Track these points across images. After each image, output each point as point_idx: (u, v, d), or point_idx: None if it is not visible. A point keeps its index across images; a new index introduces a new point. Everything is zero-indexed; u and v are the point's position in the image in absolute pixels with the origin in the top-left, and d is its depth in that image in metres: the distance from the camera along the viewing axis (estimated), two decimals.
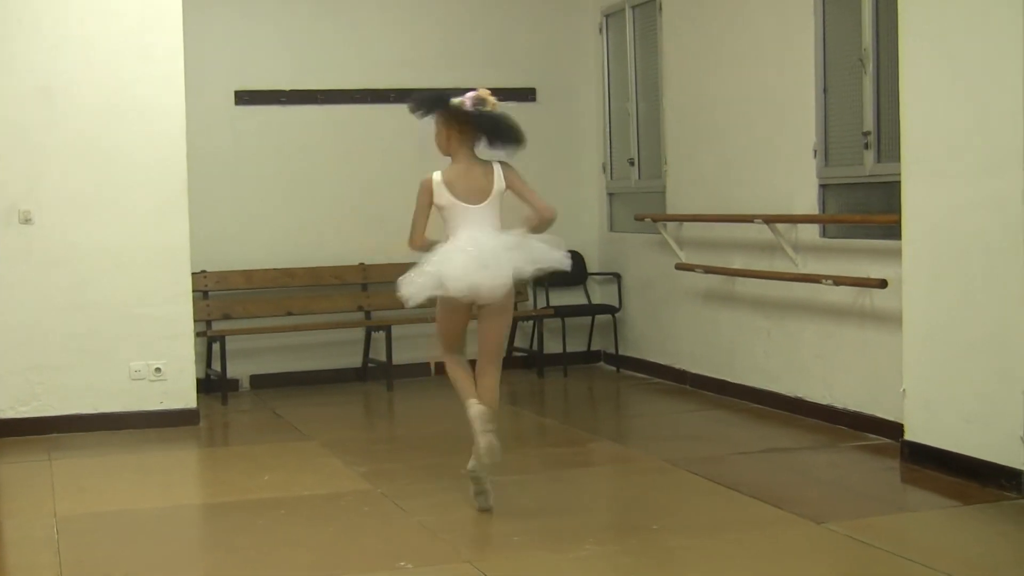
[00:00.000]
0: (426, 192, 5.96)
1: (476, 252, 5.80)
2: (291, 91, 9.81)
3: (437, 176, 5.96)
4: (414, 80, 10.05)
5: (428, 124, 6.06)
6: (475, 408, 5.85)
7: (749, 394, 8.44)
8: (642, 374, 9.85)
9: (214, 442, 8.23)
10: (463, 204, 5.89)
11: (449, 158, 6.02)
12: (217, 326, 9.46)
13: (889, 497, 6.21)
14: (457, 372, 6.08)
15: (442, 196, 5.92)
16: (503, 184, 5.93)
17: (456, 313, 6.01)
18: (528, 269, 5.90)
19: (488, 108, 5.86)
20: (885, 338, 7.04)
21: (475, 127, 5.91)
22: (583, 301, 10.41)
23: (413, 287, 5.93)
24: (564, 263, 5.97)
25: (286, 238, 9.82)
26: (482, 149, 5.99)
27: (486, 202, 5.92)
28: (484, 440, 5.75)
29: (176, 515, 6.25)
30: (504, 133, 5.92)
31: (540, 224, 5.91)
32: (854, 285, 7.28)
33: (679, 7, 9.21)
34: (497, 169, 5.95)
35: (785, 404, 8.04)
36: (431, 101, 6.02)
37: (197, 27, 9.00)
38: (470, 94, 5.87)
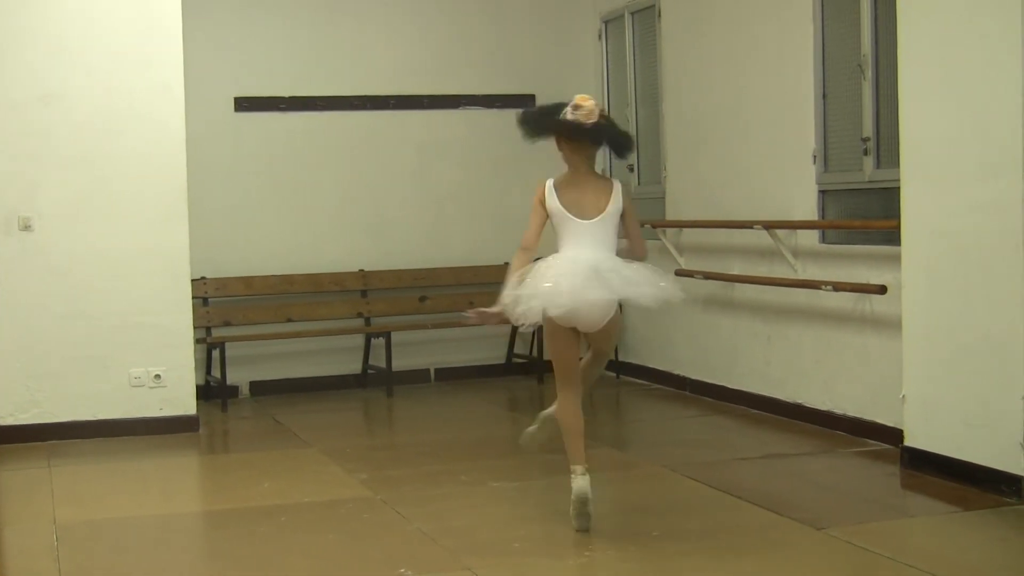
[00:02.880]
0: (539, 195, 5.72)
1: (574, 273, 5.48)
2: (291, 98, 9.82)
3: (550, 181, 5.72)
4: (414, 87, 10.10)
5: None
6: (577, 482, 5.57)
7: (749, 400, 8.45)
8: (642, 380, 9.85)
9: (214, 449, 8.23)
10: (571, 217, 5.61)
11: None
12: (217, 333, 9.46)
13: (889, 502, 6.21)
14: (568, 422, 5.74)
15: (552, 202, 5.65)
16: (620, 204, 5.63)
17: (560, 337, 5.70)
18: (632, 295, 5.57)
19: (588, 117, 5.59)
20: (885, 344, 7.04)
21: (584, 139, 5.67)
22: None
23: (523, 307, 5.53)
24: (675, 295, 5.65)
25: (286, 245, 9.83)
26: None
27: (597, 219, 5.59)
28: (578, 523, 5.57)
29: (176, 523, 6.25)
30: (613, 141, 5.76)
31: (630, 260, 5.66)
32: (853, 291, 7.28)
33: (678, 13, 9.22)
34: (617, 187, 5.68)
35: (785, 410, 8.04)
36: (537, 123, 5.81)
37: (197, 34, 9.02)
38: (572, 105, 5.63)
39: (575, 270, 5.50)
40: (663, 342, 9.60)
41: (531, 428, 6.17)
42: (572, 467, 5.63)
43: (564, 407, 5.79)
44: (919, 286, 6.44)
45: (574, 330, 5.67)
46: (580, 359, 5.85)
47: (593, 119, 5.61)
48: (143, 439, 8.03)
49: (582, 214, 5.61)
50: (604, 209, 5.61)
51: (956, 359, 6.21)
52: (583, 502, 5.54)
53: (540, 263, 5.61)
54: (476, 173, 10.30)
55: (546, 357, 5.80)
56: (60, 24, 8.01)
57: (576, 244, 5.61)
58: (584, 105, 5.61)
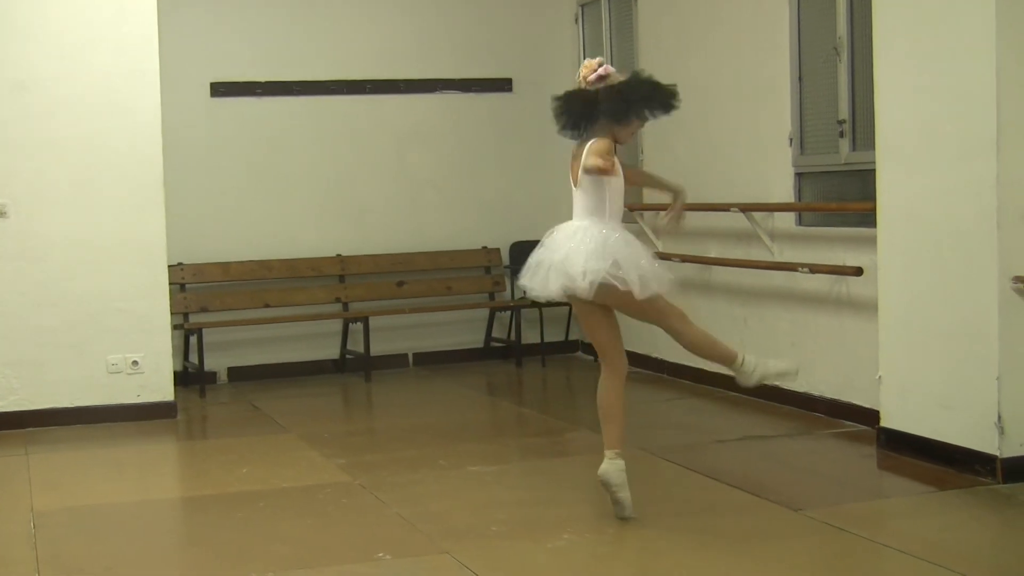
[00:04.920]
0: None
1: (555, 248, 5.42)
2: (267, 83, 9.79)
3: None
4: (390, 71, 10.08)
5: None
6: (605, 465, 5.43)
7: (726, 382, 8.44)
8: None
9: (192, 435, 8.22)
10: (572, 183, 5.53)
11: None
12: (194, 319, 9.44)
13: (865, 483, 6.24)
14: (606, 403, 5.54)
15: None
16: (582, 162, 5.39)
17: (585, 313, 5.56)
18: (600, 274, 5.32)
19: (591, 79, 5.43)
20: (861, 325, 7.07)
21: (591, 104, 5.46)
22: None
23: (533, 280, 5.48)
24: (643, 289, 5.40)
25: (263, 230, 9.80)
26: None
27: (578, 187, 5.49)
28: (615, 510, 5.48)
29: (154, 509, 6.24)
30: (619, 103, 5.46)
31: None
32: (830, 273, 7.31)
33: None
34: (585, 146, 5.42)
35: (762, 392, 8.05)
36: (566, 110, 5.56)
37: (172, 19, 8.98)
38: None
39: (556, 243, 5.44)
40: (641, 325, 9.55)
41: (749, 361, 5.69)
42: (606, 451, 5.49)
43: (600, 386, 5.60)
44: (895, 268, 6.46)
45: (602, 307, 5.52)
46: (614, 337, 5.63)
47: (584, 77, 5.46)
48: (120, 426, 8.01)
49: (573, 181, 5.54)
50: (578, 174, 5.48)
51: (932, 340, 6.24)
52: (605, 485, 5.44)
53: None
54: (453, 158, 10.29)
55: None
56: (33, 9, 7.95)
57: (574, 215, 5.53)
58: (584, 68, 5.49)
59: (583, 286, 5.33)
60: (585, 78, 5.50)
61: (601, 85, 5.48)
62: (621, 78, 5.57)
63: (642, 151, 9.41)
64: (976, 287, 5.93)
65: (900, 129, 6.37)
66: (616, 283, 5.34)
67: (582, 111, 5.50)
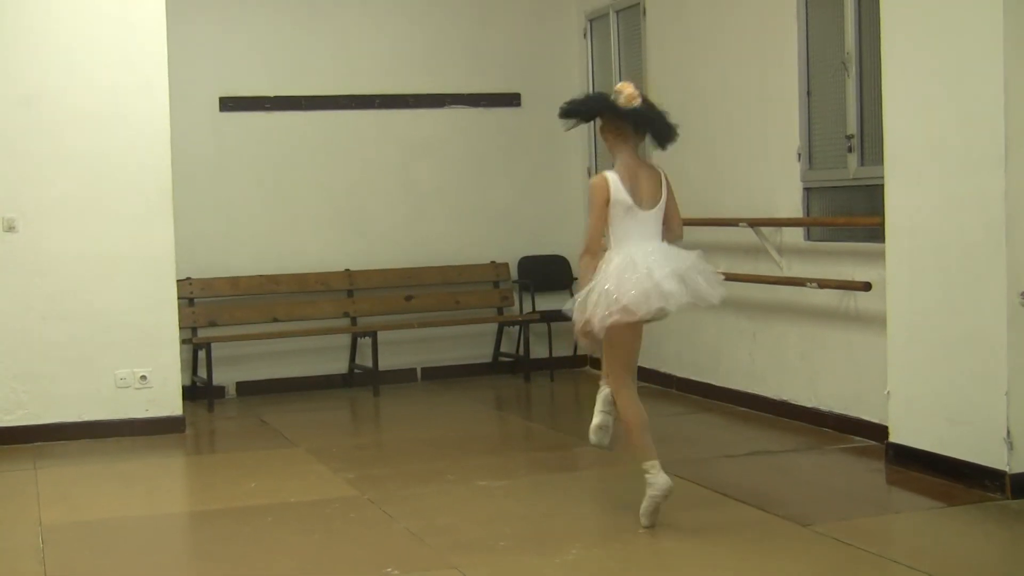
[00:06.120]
0: (602, 190, 5.47)
1: (651, 270, 5.42)
2: (275, 97, 9.81)
3: (611, 174, 5.52)
4: (399, 86, 10.10)
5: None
6: (662, 477, 5.50)
7: (734, 397, 8.46)
8: None
9: (200, 450, 8.22)
10: (635, 207, 5.50)
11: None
12: (203, 333, 9.45)
13: (874, 499, 6.23)
14: (641, 417, 5.63)
15: (619, 194, 5.47)
16: (667, 193, 5.59)
17: (632, 332, 5.64)
18: (705, 294, 5.56)
19: (629, 101, 5.52)
20: (869, 340, 7.06)
21: (626, 124, 5.57)
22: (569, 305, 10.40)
23: (597, 316, 5.42)
24: (715, 298, 5.63)
25: (271, 244, 9.82)
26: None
27: (655, 209, 5.55)
28: (649, 519, 5.56)
29: (162, 523, 6.25)
30: (654, 128, 5.62)
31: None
32: (838, 288, 7.30)
33: (663, 11, 9.23)
34: (663, 176, 5.63)
35: (770, 407, 8.06)
36: (581, 105, 5.74)
37: (181, 34, 8.99)
38: (614, 91, 5.58)
39: (652, 264, 5.45)
40: (649, 340, 9.56)
41: (598, 421, 5.92)
42: (647, 464, 5.53)
43: (630, 403, 5.66)
44: (903, 283, 6.46)
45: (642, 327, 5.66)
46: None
47: (636, 103, 5.54)
48: (129, 440, 8.01)
49: (642, 204, 5.54)
50: (659, 199, 5.57)
51: (940, 355, 6.23)
52: (667, 496, 5.50)
53: (614, 261, 5.49)
54: (461, 172, 10.30)
55: (583, 352, 5.74)
56: (44, 23, 7.98)
57: (640, 235, 5.52)
58: (624, 91, 5.55)
59: (678, 302, 5.51)
60: (631, 100, 5.54)
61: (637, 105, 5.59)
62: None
63: None
64: (984, 301, 5.92)
65: (908, 144, 6.37)
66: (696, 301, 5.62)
67: (657, 129, 5.66)
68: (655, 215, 5.57)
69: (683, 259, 5.55)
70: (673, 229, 5.67)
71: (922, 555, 5.13)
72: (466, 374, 10.24)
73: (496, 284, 10.34)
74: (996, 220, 5.81)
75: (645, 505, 5.55)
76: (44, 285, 7.99)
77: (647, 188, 5.57)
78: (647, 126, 5.64)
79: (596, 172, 10.31)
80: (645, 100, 5.64)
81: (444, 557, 5.30)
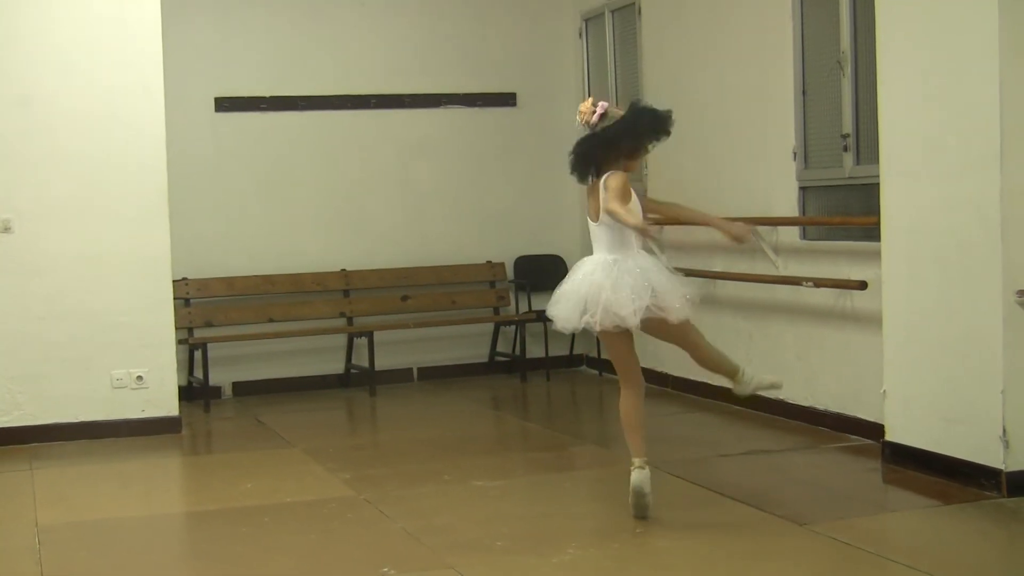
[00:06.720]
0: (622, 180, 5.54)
1: (590, 282, 5.56)
2: (272, 98, 9.80)
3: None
4: (395, 86, 10.10)
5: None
6: (633, 475, 5.66)
7: (730, 396, 8.43)
8: None
9: (196, 450, 8.22)
10: (589, 219, 5.69)
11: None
12: (199, 333, 9.44)
13: (870, 498, 6.23)
14: (624, 417, 5.82)
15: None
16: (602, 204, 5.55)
17: (621, 342, 5.77)
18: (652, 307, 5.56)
19: (586, 119, 5.59)
20: (865, 339, 7.06)
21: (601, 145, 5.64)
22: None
23: (561, 316, 5.68)
24: (691, 309, 5.66)
25: (267, 245, 9.81)
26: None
27: (600, 222, 5.62)
28: (635, 511, 5.67)
29: (158, 524, 6.24)
30: (633, 130, 5.61)
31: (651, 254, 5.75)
32: (834, 287, 7.30)
33: (658, 10, 9.23)
34: (600, 181, 5.59)
35: (766, 406, 8.05)
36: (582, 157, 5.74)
37: (177, 35, 8.99)
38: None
39: (584, 280, 5.60)
40: (645, 339, 9.57)
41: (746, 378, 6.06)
42: (631, 460, 5.72)
43: (622, 402, 5.85)
44: (899, 281, 6.46)
45: (626, 331, 5.70)
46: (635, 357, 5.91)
47: (587, 118, 5.61)
48: (125, 440, 8.00)
49: (592, 216, 5.68)
50: (599, 210, 5.60)
51: (936, 354, 6.23)
52: (639, 495, 5.64)
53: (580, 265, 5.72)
54: (458, 172, 10.30)
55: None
56: (40, 24, 7.97)
57: (596, 247, 5.71)
58: (582, 111, 5.63)
59: (634, 323, 5.54)
60: (587, 121, 5.62)
61: (604, 123, 5.60)
62: (619, 112, 5.71)
63: (646, 166, 9.40)
64: (980, 300, 5.93)
65: (904, 143, 6.37)
66: (663, 314, 5.57)
67: (602, 155, 5.64)
68: (599, 227, 5.64)
69: (632, 263, 5.57)
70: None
71: (918, 554, 5.13)
72: (462, 374, 10.25)
73: (492, 284, 10.34)
74: (992, 219, 5.81)
75: (629, 499, 5.70)
76: (40, 286, 7.98)
77: (593, 201, 5.67)
78: (619, 139, 5.61)
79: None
80: (604, 114, 5.60)
81: (441, 557, 5.30)
